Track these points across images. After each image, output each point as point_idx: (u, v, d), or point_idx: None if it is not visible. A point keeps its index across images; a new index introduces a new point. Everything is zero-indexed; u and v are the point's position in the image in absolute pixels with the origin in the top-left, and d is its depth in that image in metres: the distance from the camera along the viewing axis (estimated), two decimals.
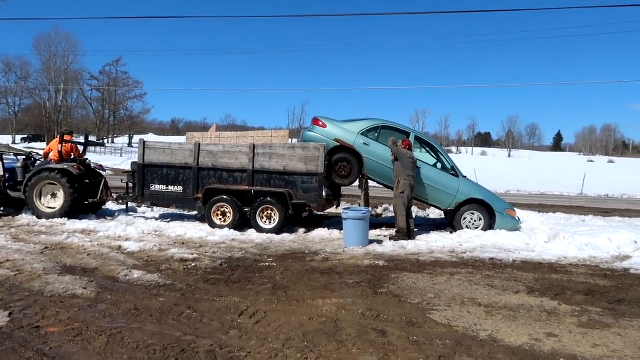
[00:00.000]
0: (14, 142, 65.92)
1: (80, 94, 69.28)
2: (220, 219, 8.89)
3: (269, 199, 8.78)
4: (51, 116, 63.21)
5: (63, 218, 9.09)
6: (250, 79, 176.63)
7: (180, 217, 10.26)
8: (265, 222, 8.81)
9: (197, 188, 9.15)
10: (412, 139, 9.28)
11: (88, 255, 6.59)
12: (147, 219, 9.83)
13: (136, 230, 8.38)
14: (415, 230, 8.87)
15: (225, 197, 8.88)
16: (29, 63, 66.42)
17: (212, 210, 8.91)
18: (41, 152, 10.96)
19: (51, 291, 4.90)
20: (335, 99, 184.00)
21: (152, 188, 9.38)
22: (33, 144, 62.44)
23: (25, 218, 9.22)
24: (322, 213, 9.77)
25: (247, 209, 8.87)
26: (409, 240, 8.22)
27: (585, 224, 10.27)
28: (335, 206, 10.21)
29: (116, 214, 10.15)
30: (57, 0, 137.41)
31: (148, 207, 10.85)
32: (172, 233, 8.37)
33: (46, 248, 6.90)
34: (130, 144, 72.35)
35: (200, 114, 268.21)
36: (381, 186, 9.79)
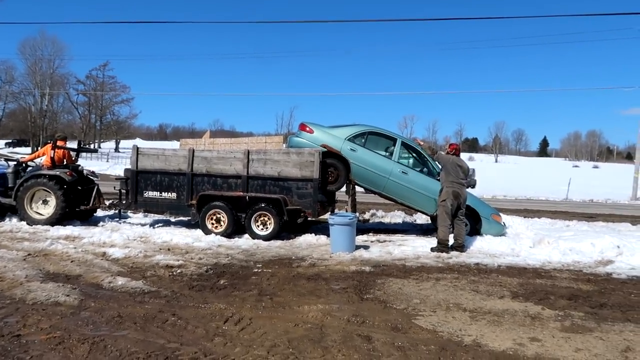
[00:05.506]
0: None
1: (66, 99, 68.49)
2: (214, 226, 8.83)
3: (263, 205, 8.73)
4: (36, 121, 62.38)
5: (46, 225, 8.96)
6: (239, 84, 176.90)
7: (167, 223, 10.18)
8: (260, 228, 8.76)
9: (191, 194, 9.07)
10: (398, 144, 9.35)
11: (72, 262, 6.50)
12: (132, 224, 9.73)
13: (121, 236, 8.30)
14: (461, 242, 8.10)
15: (219, 203, 8.81)
16: (14, 67, 65.45)
17: (206, 217, 8.85)
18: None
19: (33, 299, 4.83)
20: (323, 105, 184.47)
21: (146, 195, 9.28)
22: (18, 149, 61.58)
23: (8, 224, 9.08)
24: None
25: (241, 215, 8.81)
26: (453, 252, 7.86)
27: (570, 229, 10.38)
28: (330, 212, 10.21)
29: (101, 220, 10.04)
30: (43, 4, 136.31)
31: (136, 213, 10.73)
32: (157, 239, 8.29)
33: (29, 255, 6.80)
34: (117, 149, 71.68)
35: (188, 119, 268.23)
36: (368, 192, 9.82)
